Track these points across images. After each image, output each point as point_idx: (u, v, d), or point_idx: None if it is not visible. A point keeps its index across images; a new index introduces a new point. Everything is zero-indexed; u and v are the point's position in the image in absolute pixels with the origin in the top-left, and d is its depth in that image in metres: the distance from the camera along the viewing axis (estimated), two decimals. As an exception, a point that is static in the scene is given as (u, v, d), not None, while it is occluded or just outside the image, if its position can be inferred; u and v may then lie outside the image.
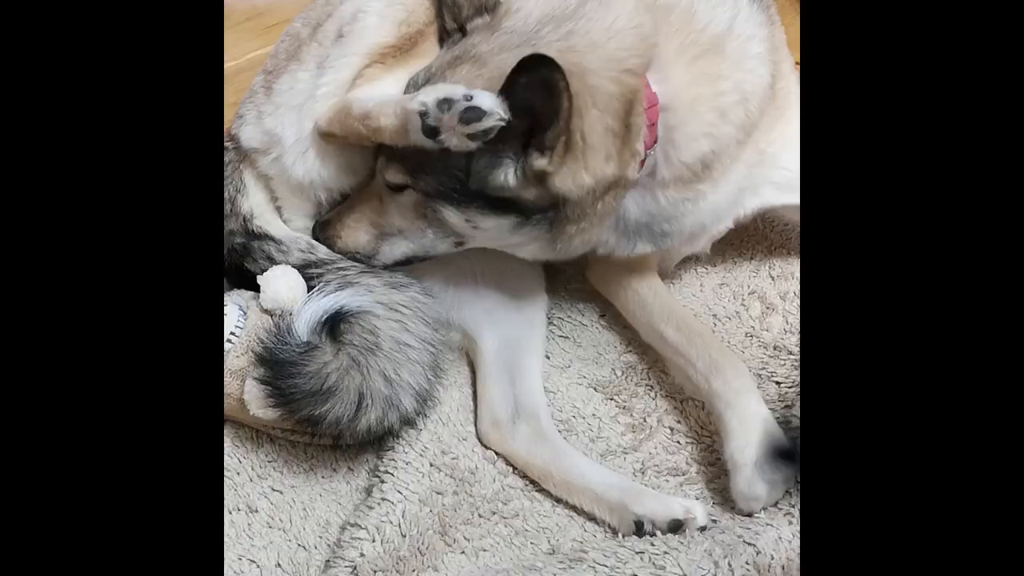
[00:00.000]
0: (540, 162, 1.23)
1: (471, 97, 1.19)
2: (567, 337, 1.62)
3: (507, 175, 1.26)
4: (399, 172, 1.33)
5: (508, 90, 1.18)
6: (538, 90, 1.17)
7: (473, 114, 1.19)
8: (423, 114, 1.22)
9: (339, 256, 1.46)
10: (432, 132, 1.22)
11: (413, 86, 1.33)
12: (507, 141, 1.23)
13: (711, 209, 1.43)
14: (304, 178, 1.44)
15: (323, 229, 1.46)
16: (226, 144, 1.54)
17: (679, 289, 1.69)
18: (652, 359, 1.58)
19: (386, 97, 1.33)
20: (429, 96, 1.22)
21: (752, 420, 1.37)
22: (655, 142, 1.32)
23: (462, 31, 1.35)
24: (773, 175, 1.46)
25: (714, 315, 1.66)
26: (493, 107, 1.19)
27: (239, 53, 2.09)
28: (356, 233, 1.43)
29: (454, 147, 1.22)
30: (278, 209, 1.52)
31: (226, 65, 2.01)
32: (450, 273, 1.55)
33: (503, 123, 1.19)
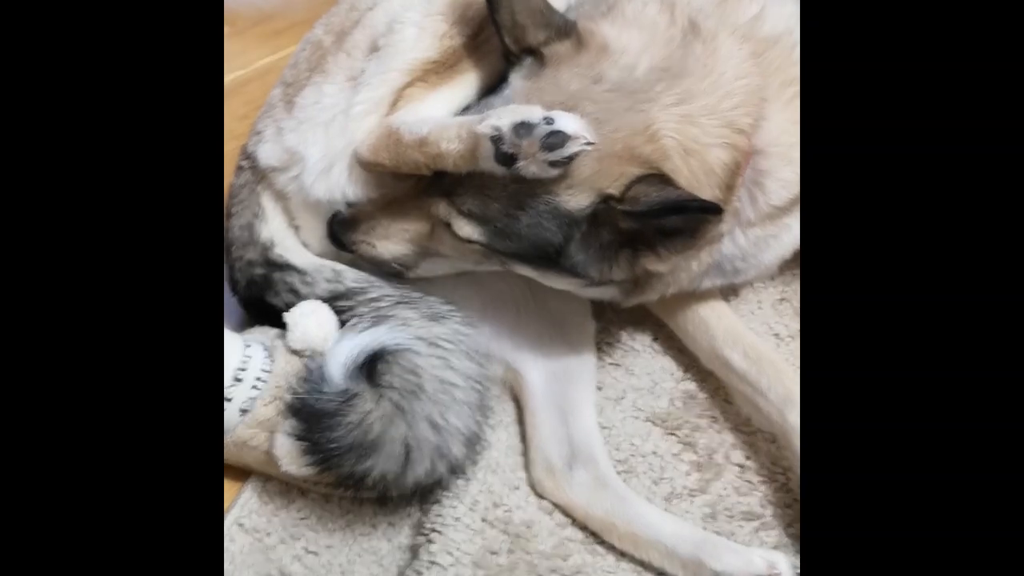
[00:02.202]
0: (657, 265, 1.17)
1: (552, 120, 1.08)
2: (619, 365, 1.51)
3: (612, 269, 1.19)
4: (473, 230, 1.21)
5: (654, 216, 1.11)
6: (689, 222, 1.12)
7: (556, 139, 1.08)
8: (496, 139, 1.10)
9: (369, 284, 1.35)
10: (507, 159, 1.10)
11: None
12: (615, 235, 1.16)
13: (793, 240, 1.35)
14: (325, 196, 1.33)
15: (347, 230, 1.31)
16: (242, 164, 1.44)
17: (736, 307, 1.57)
18: (713, 386, 1.47)
19: (442, 120, 1.21)
20: (504, 119, 1.10)
21: None
22: (743, 185, 1.23)
23: (534, 54, 1.23)
24: None
25: (775, 334, 1.55)
26: (578, 131, 1.08)
27: (246, 62, 1.99)
28: (394, 246, 1.31)
29: (531, 175, 1.11)
30: (295, 230, 1.41)
31: (233, 75, 1.93)
32: (487, 299, 1.44)
33: (589, 147, 1.09)
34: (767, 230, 1.31)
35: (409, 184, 1.28)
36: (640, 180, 1.12)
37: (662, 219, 1.12)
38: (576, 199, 1.14)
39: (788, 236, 1.34)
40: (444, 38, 1.30)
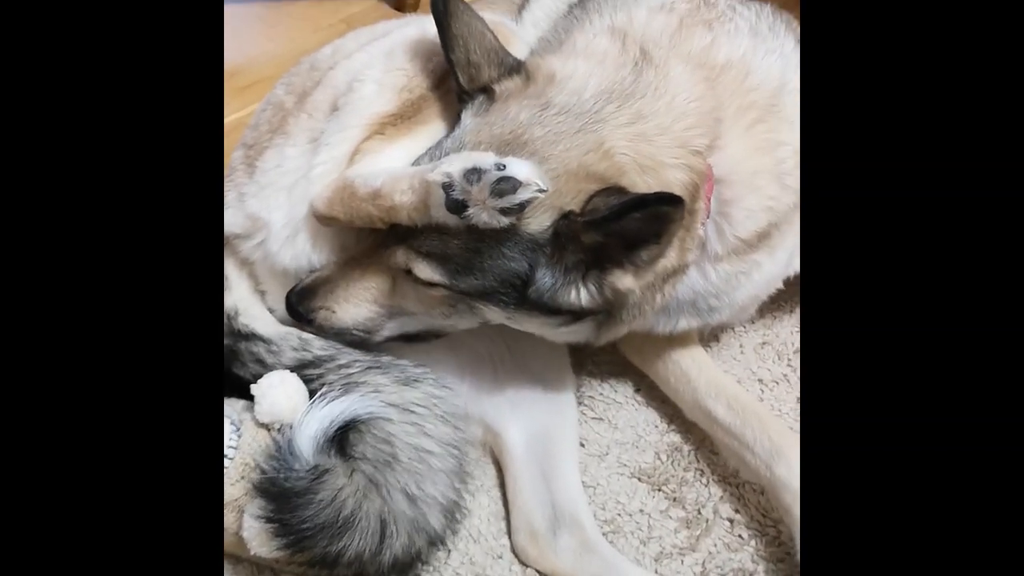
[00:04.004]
0: (624, 280, 1.12)
1: (504, 166, 1.05)
2: (601, 419, 1.48)
3: (579, 292, 1.14)
4: (434, 271, 1.16)
5: (614, 219, 1.06)
6: (650, 222, 1.07)
7: (507, 185, 1.05)
8: (448, 186, 1.07)
9: (337, 351, 1.30)
10: (458, 207, 1.07)
11: (437, 157, 1.19)
12: (580, 253, 1.10)
13: (765, 280, 1.32)
14: (292, 264, 1.29)
15: (304, 299, 1.27)
16: None
17: (717, 352, 1.56)
18: (699, 437, 1.45)
19: (395, 171, 1.18)
20: (454, 166, 1.07)
21: None
22: (707, 216, 1.19)
23: (486, 91, 1.21)
24: None
25: (759, 380, 1.54)
26: (530, 176, 1.05)
27: None
28: (355, 309, 1.26)
29: (483, 224, 1.08)
30: (261, 295, 1.37)
31: None
32: (463, 360, 1.41)
33: (541, 194, 1.06)
34: (736, 266, 1.28)
35: (368, 243, 1.25)
36: (598, 193, 1.10)
37: (623, 221, 1.07)
38: (537, 220, 1.11)
39: (759, 274, 1.31)
40: (403, 91, 1.28)
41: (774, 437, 1.29)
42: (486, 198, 1.05)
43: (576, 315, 1.17)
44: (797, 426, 1.43)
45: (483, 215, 1.07)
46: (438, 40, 1.24)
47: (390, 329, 1.29)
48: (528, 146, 1.12)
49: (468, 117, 1.21)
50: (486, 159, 1.06)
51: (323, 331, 1.27)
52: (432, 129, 1.26)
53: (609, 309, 1.17)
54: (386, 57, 1.31)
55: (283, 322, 1.33)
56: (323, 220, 1.22)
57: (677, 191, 1.11)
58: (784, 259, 1.32)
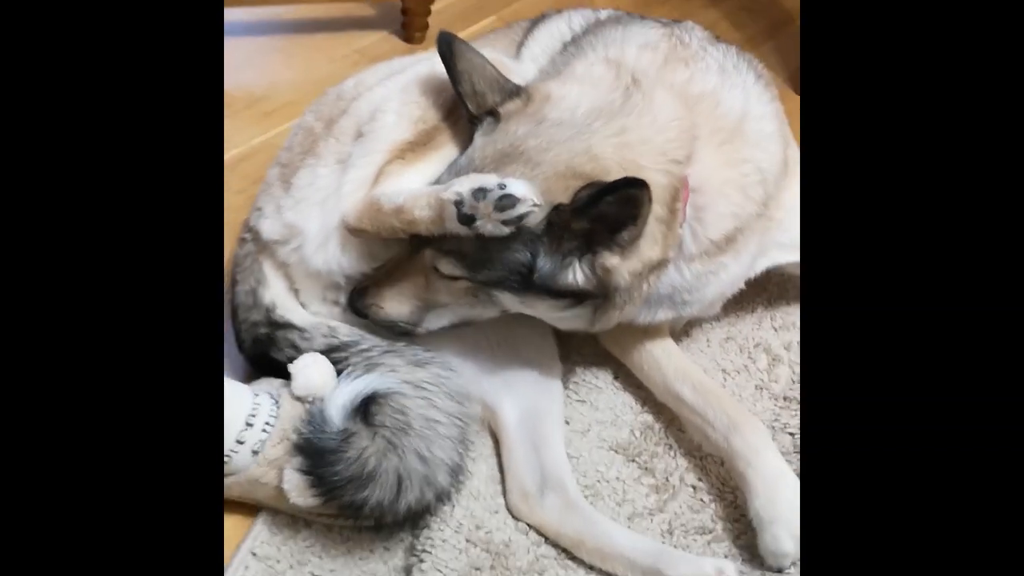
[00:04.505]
0: (612, 260, 1.31)
1: (504, 185, 1.26)
2: (584, 401, 1.65)
3: (576, 274, 1.33)
4: (455, 266, 1.37)
5: (592, 203, 1.25)
6: (624, 205, 1.25)
7: (508, 201, 1.26)
8: (458, 203, 1.28)
9: (360, 337, 1.49)
10: (467, 220, 1.28)
11: (453, 173, 1.38)
12: (574, 240, 1.30)
13: (730, 279, 1.51)
14: (323, 267, 1.49)
15: (360, 298, 1.47)
16: (244, 236, 1.59)
17: (686, 345, 1.73)
18: (668, 418, 1.62)
19: (415, 190, 1.38)
20: (464, 186, 1.28)
21: (773, 476, 1.41)
22: (684, 220, 1.39)
23: (492, 114, 1.40)
24: (780, 237, 1.54)
25: (723, 370, 1.71)
26: (526, 194, 1.26)
27: (241, 140, 2.14)
28: (400, 305, 1.46)
29: (488, 233, 1.28)
30: (295, 292, 1.55)
31: (230, 153, 2.08)
32: (466, 347, 1.58)
33: (536, 208, 1.26)
34: (706, 266, 1.46)
35: (398, 251, 1.44)
36: (583, 188, 1.27)
37: (600, 205, 1.24)
38: (533, 216, 1.29)
39: (725, 274, 1.50)
40: (419, 122, 1.47)
41: (731, 414, 1.48)
42: (490, 212, 1.26)
43: (577, 297, 1.36)
44: (755, 408, 1.63)
45: (488, 226, 1.27)
46: (446, 76, 1.44)
47: (430, 321, 1.47)
48: (524, 155, 1.33)
49: (478, 137, 1.41)
50: (490, 180, 1.27)
51: (376, 323, 1.47)
52: (444, 154, 1.45)
53: (604, 292, 1.35)
54: (403, 91, 1.51)
55: (316, 314, 1.52)
56: (353, 232, 1.42)
57: (658, 191, 1.30)
58: (747, 261, 1.52)
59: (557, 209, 1.29)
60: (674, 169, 1.35)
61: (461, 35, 1.46)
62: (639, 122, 1.35)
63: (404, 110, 1.48)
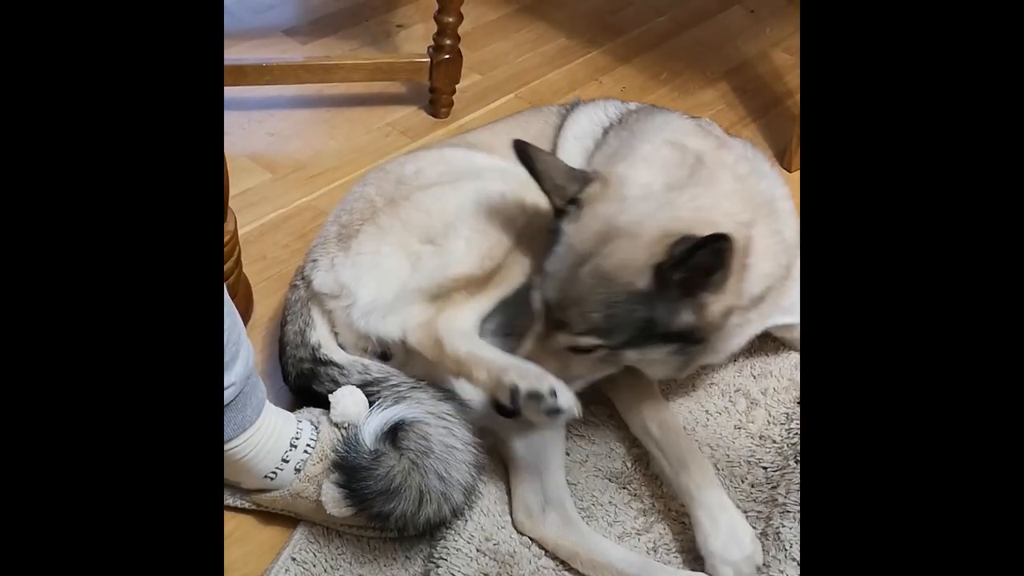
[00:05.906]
0: (710, 299, 1.47)
1: (556, 395, 1.45)
2: (583, 436, 1.83)
3: (687, 314, 1.49)
4: (592, 339, 1.51)
5: (688, 256, 1.39)
6: (714, 254, 1.40)
7: (554, 406, 1.46)
8: (514, 392, 1.46)
9: (390, 374, 1.68)
10: (512, 413, 1.49)
11: (549, 267, 1.53)
12: (676, 289, 1.47)
13: (751, 332, 1.71)
14: (363, 329, 1.70)
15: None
16: (297, 283, 1.80)
17: (676, 388, 1.93)
18: None
19: (478, 351, 1.57)
20: (523, 383, 1.46)
21: (715, 511, 1.59)
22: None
23: (574, 202, 1.54)
24: (782, 301, 1.72)
25: (706, 411, 1.91)
26: (571, 407, 1.46)
27: (287, 201, 2.38)
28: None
29: (530, 419, 1.49)
30: (335, 335, 1.76)
31: (276, 212, 2.34)
32: None
33: (575, 416, 1.48)
34: (740, 319, 1.60)
35: (529, 343, 1.58)
36: (676, 243, 1.40)
37: (694, 258, 1.38)
38: (641, 280, 1.43)
39: (750, 328, 1.68)
40: (486, 259, 1.63)
41: (682, 452, 1.66)
42: (536, 415, 1.47)
43: (684, 339, 1.51)
44: (734, 444, 1.83)
45: (533, 417, 1.47)
46: (512, 198, 1.64)
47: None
48: (622, 231, 1.47)
49: (566, 225, 1.52)
50: (543, 386, 1.45)
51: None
52: (504, 288, 1.65)
53: (707, 330, 1.51)
54: (474, 216, 1.66)
55: (350, 353, 1.73)
56: (410, 352, 1.62)
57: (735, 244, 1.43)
58: (765, 319, 1.72)
59: (658, 267, 1.43)
60: (743, 229, 1.51)
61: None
62: (710, 191, 1.53)
63: (474, 239, 1.64)
